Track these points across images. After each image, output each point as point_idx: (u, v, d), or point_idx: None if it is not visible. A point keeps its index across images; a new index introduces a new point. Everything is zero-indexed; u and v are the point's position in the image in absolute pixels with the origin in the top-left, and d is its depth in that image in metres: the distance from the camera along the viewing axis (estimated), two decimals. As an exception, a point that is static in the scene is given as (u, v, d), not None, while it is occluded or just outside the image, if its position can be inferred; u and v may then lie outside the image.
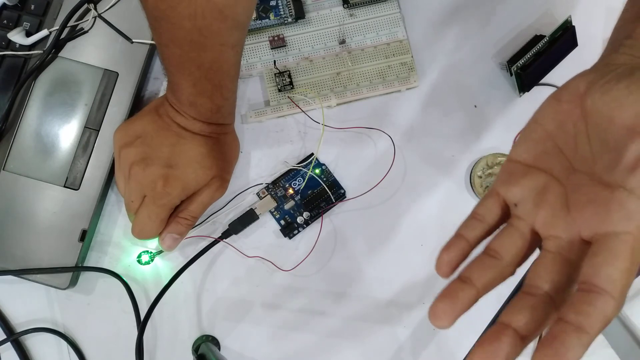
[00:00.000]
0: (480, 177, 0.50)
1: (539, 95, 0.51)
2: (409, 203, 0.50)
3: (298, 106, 0.50)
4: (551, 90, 0.51)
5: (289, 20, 0.50)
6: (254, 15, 0.50)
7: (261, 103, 0.51)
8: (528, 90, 0.50)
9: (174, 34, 0.37)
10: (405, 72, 0.51)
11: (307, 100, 0.50)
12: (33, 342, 0.49)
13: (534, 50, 0.48)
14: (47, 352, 0.49)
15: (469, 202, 0.50)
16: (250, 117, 0.50)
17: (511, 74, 0.49)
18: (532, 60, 0.49)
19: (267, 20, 0.50)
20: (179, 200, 0.44)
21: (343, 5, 0.51)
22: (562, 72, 0.51)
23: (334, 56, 0.51)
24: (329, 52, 0.51)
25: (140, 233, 0.44)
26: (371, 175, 0.50)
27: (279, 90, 0.50)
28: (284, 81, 0.50)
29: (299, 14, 0.50)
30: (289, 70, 0.50)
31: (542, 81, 0.51)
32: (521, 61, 0.48)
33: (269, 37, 0.51)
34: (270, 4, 0.50)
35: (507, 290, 0.42)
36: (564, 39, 0.49)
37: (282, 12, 0.50)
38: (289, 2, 0.50)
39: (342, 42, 0.51)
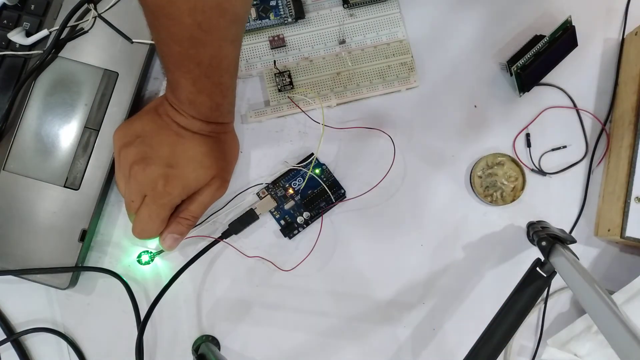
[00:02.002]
0: (480, 177, 0.50)
1: (538, 95, 0.51)
2: (409, 203, 0.50)
3: (298, 106, 0.50)
4: (551, 90, 0.51)
5: (289, 20, 0.50)
6: (254, 15, 0.50)
7: (261, 103, 0.51)
8: (528, 90, 0.50)
9: (173, 30, 0.37)
10: (405, 72, 0.51)
11: (307, 100, 0.50)
12: (33, 342, 0.49)
13: (534, 50, 0.48)
14: (47, 352, 0.49)
15: (469, 202, 0.50)
16: (250, 117, 0.50)
17: (511, 74, 0.49)
18: (532, 60, 0.48)
19: (267, 20, 0.50)
20: (179, 200, 0.44)
21: (343, 5, 0.51)
22: (562, 72, 0.51)
23: (334, 56, 0.51)
24: (329, 52, 0.51)
25: (141, 233, 0.44)
26: (371, 175, 0.50)
27: (279, 90, 0.50)
28: (284, 81, 0.50)
29: (299, 14, 0.50)
30: (288, 70, 0.50)
31: (542, 81, 0.51)
32: (521, 61, 0.48)
33: (269, 37, 0.51)
34: (270, 4, 0.50)
35: (506, 293, 0.42)
36: (564, 39, 0.49)
37: (282, 12, 0.50)
38: (289, 2, 0.50)
39: (342, 42, 0.51)
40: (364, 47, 0.51)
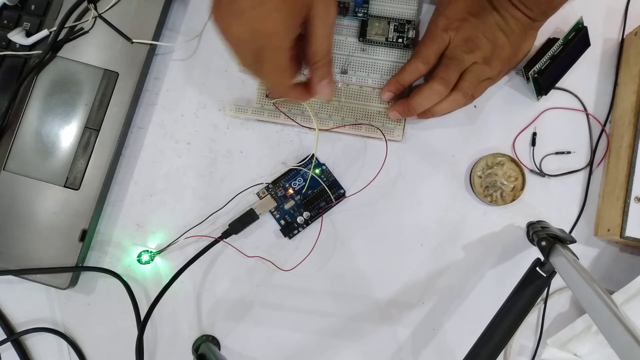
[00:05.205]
0: (480, 177, 0.50)
1: (552, 96, 0.51)
2: (409, 203, 0.50)
3: (282, 113, 0.50)
4: (552, 91, 0.51)
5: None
6: None
7: (247, 100, 0.51)
8: (546, 94, 0.50)
9: None
10: (392, 122, 0.50)
11: (290, 115, 0.50)
12: (33, 342, 0.49)
13: (549, 54, 0.48)
14: (47, 352, 0.49)
15: (469, 202, 0.50)
16: (230, 111, 0.50)
17: (528, 79, 0.49)
18: (548, 64, 0.48)
19: None
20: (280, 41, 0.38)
21: (359, 37, 0.50)
22: (578, 72, 0.51)
23: None
24: None
25: (276, 87, 0.41)
26: (371, 175, 0.50)
27: (266, 96, 0.50)
28: None
29: None
30: None
31: (558, 82, 0.51)
32: (537, 66, 0.48)
33: None
34: None
35: (506, 293, 0.42)
36: (577, 40, 0.49)
37: None
38: None
39: (344, 72, 0.50)
40: (363, 84, 0.50)
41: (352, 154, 0.51)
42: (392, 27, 0.50)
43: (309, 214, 0.49)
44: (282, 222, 0.49)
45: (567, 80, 0.51)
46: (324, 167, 0.50)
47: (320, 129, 0.50)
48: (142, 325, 0.44)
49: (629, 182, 0.45)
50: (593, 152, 0.50)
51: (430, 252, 0.50)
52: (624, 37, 0.51)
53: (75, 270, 0.48)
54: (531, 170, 0.50)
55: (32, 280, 0.47)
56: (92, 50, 0.49)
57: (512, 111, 0.51)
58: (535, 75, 0.49)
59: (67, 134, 0.48)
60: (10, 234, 0.47)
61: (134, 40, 0.49)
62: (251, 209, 0.49)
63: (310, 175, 0.49)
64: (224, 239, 0.49)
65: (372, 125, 0.49)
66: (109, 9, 0.49)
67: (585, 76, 0.51)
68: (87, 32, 0.49)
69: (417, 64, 0.46)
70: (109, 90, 0.49)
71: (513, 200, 0.49)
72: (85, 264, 0.49)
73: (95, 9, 0.49)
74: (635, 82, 0.47)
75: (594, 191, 0.50)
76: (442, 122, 0.51)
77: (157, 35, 0.50)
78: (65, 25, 0.49)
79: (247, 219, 0.49)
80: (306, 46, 0.40)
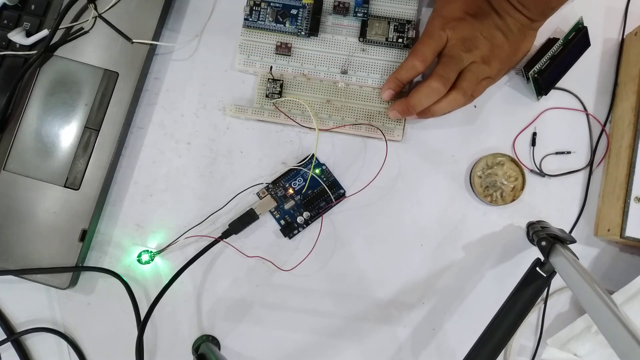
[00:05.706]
0: (480, 177, 0.50)
1: (552, 96, 0.51)
2: (409, 203, 0.50)
3: (282, 113, 0.50)
4: (552, 91, 0.51)
5: (302, 33, 0.50)
6: (272, 17, 0.50)
7: (247, 101, 0.51)
8: (546, 94, 0.50)
9: None
10: (392, 122, 0.50)
11: (290, 115, 0.50)
12: (33, 342, 0.49)
13: (549, 54, 0.48)
14: (47, 352, 0.49)
15: (469, 202, 0.50)
16: (230, 111, 0.50)
17: (528, 79, 0.49)
18: (548, 64, 0.48)
19: (281, 25, 0.50)
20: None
21: (359, 37, 0.50)
22: (578, 72, 0.51)
23: (331, 83, 0.50)
24: (328, 76, 0.50)
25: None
26: (371, 175, 0.50)
27: (266, 96, 0.50)
28: (274, 89, 0.50)
29: (314, 31, 0.50)
30: (282, 80, 0.50)
31: (558, 82, 0.51)
32: (537, 66, 0.48)
33: (277, 42, 0.50)
34: (291, 12, 0.50)
35: (506, 293, 0.42)
36: (577, 40, 0.49)
37: (298, 23, 0.50)
38: (308, 16, 0.50)
39: (345, 72, 0.50)
40: (363, 84, 0.50)
41: (352, 154, 0.51)
42: (392, 27, 0.50)
43: (309, 214, 0.49)
44: (282, 222, 0.49)
45: (567, 80, 0.51)
46: (324, 167, 0.50)
47: (320, 129, 0.50)
48: (142, 325, 0.44)
49: (629, 182, 0.45)
50: (593, 152, 0.50)
51: (430, 252, 0.50)
52: (624, 37, 0.51)
53: (75, 270, 0.48)
54: (531, 170, 0.50)
55: (32, 280, 0.47)
56: (92, 50, 0.49)
57: (512, 111, 0.51)
58: (535, 75, 0.49)
59: (67, 134, 0.48)
60: (10, 234, 0.47)
61: (134, 40, 0.49)
62: (251, 209, 0.49)
63: (310, 175, 0.49)
64: (224, 239, 0.49)
65: (372, 125, 0.49)
66: (109, 8, 0.49)
67: (585, 76, 0.51)
68: (87, 32, 0.49)
69: (413, 62, 0.46)
70: (109, 90, 0.49)
71: (513, 200, 0.49)
72: (85, 264, 0.49)
73: (95, 8, 0.49)
74: (635, 82, 0.47)
75: (594, 191, 0.50)
76: (442, 122, 0.51)
77: (157, 35, 0.50)
78: (65, 25, 0.49)
79: (247, 219, 0.49)
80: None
